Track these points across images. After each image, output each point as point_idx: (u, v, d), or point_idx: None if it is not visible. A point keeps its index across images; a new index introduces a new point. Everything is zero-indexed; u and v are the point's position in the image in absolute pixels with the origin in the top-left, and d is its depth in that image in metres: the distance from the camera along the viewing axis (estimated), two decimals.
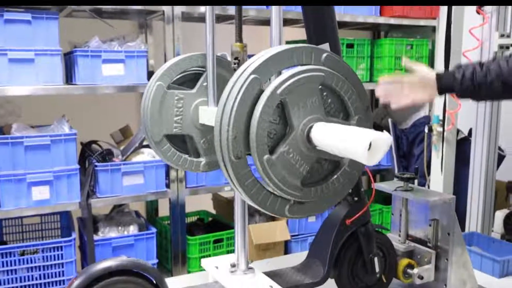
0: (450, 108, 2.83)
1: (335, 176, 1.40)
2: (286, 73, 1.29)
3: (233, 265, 1.79)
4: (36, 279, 2.84)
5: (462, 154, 3.10)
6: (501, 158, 3.05)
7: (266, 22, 3.68)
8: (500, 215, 3.06)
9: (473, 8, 2.58)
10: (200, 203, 3.86)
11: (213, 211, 3.96)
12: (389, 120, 3.81)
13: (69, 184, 2.83)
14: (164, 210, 3.84)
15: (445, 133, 2.84)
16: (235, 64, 1.70)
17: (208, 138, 2.00)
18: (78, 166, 2.85)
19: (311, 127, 1.31)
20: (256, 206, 1.33)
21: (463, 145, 3.14)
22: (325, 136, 1.26)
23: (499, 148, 3.00)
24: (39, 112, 3.20)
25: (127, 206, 3.42)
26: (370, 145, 1.14)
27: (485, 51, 2.70)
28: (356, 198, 1.90)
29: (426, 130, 2.94)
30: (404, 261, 2.05)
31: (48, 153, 2.76)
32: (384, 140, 1.15)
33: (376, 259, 1.92)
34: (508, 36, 2.62)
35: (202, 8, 3.11)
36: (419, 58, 3.94)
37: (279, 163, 1.29)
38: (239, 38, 1.69)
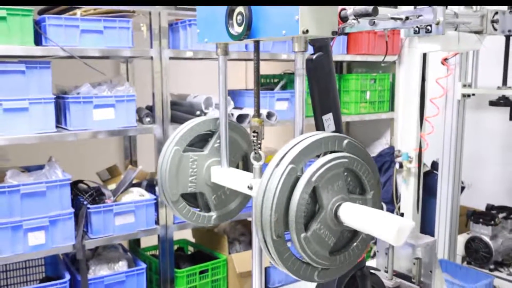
0: (417, 146, 3.13)
1: (355, 244, 1.62)
2: (317, 162, 1.50)
3: None
4: None
5: (427, 185, 3.42)
6: (461, 189, 3.39)
7: (243, 59, 3.89)
8: (461, 239, 3.41)
9: (439, 60, 2.89)
10: (179, 232, 3.99)
11: (192, 239, 4.10)
12: None
13: (63, 228, 2.90)
14: (145, 240, 3.95)
15: (414, 170, 3.14)
16: (254, 137, 1.88)
17: (218, 194, 2.17)
18: (72, 210, 2.92)
19: (338, 206, 1.52)
20: (291, 274, 1.52)
21: (428, 178, 3.46)
22: (354, 217, 1.47)
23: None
24: (25, 153, 3.24)
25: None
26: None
27: (450, 98, 3.02)
28: None
29: (397, 166, 3.23)
30: None
31: (43, 199, 2.81)
32: (408, 226, 1.37)
33: None
34: (470, 86, 2.95)
35: (188, 53, 3.26)
36: (381, 91, 4.26)
37: (312, 239, 1.50)
38: (258, 114, 1.88)
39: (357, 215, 1.47)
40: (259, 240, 1.53)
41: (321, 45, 1.95)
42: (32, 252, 2.84)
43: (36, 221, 2.80)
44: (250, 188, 1.85)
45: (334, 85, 2.01)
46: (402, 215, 2.44)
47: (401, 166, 3.26)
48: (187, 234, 4.09)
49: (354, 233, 1.64)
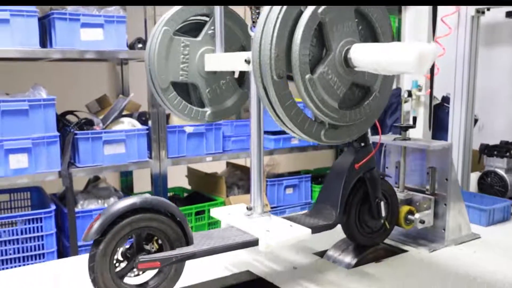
0: (428, 72, 2.92)
1: (367, 102, 1.42)
2: None
3: (249, 209, 1.76)
4: (12, 253, 2.68)
5: (438, 119, 3.22)
6: (475, 122, 3.19)
7: None
8: (474, 176, 3.21)
9: None
10: (173, 180, 3.78)
11: (188, 187, 3.90)
12: None
13: (48, 152, 2.70)
14: (138, 186, 3.75)
15: (425, 98, 2.94)
16: None
17: (213, 88, 1.97)
18: (58, 133, 2.73)
19: (348, 49, 1.32)
20: (295, 128, 1.32)
21: (438, 111, 3.26)
22: (367, 55, 1.27)
23: None
24: (7, 80, 3.04)
25: (103, 181, 3.31)
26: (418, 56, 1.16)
27: (462, 16, 2.81)
28: (362, 144, 1.92)
29: (406, 95, 3.02)
30: (405, 208, 2.11)
31: (26, 119, 2.62)
32: (431, 50, 1.17)
33: (382, 203, 1.96)
34: None
35: None
36: None
37: (319, 83, 1.29)
38: None
39: (370, 52, 1.27)
40: (258, 90, 1.33)
41: None
42: (15, 176, 2.64)
43: (18, 142, 2.60)
44: (248, 62, 1.65)
45: None
46: None
47: (409, 95, 3.06)
48: (183, 182, 3.88)
49: (366, 92, 1.44)
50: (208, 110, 1.97)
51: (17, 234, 2.67)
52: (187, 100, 1.96)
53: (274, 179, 3.68)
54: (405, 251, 2.12)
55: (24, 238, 2.69)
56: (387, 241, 2.16)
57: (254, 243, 1.61)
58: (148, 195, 1.50)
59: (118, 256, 1.50)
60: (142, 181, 3.59)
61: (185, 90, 1.97)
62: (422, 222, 2.09)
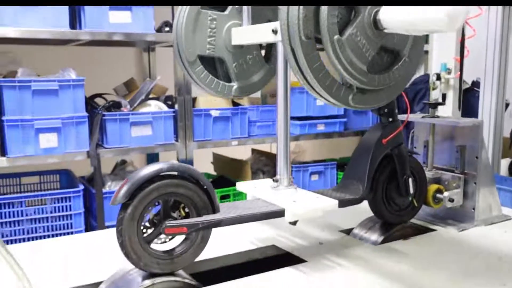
0: (458, 55, 2.86)
1: (396, 67, 1.40)
2: None
3: (275, 181, 1.76)
4: (42, 231, 2.74)
5: (467, 103, 3.15)
6: (506, 106, 3.12)
7: None
8: (505, 163, 3.14)
9: None
10: (199, 166, 3.79)
11: (214, 173, 3.91)
12: None
13: (77, 133, 2.74)
14: None
15: (454, 82, 2.87)
16: None
17: (240, 63, 1.97)
18: (86, 114, 2.77)
19: (377, 11, 1.30)
20: (322, 92, 1.31)
21: (468, 95, 3.19)
22: (397, 15, 1.25)
23: None
24: (38, 64, 3.10)
25: (130, 164, 3.35)
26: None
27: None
28: (390, 119, 1.90)
29: (434, 78, 2.97)
30: (433, 187, 2.07)
31: (56, 98, 2.67)
32: (461, 9, 1.15)
33: (410, 180, 1.93)
34: None
35: None
36: None
37: (347, 45, 1.28)
38: None
39: (399, 13, 1.25)
40: (285, 52, 1.32)
41: None
42: (45, 155, 2.69)
43: (48, 122, 2.66)
44: (275, 32, 1.64)
45: None
46: None
47: (438, 78, 3.00)
48: (208, 167, 3.90)
49: (395, 57, 1.42)
50: (234, 85, 1.97)
51: (46, 213, 2.73)
52: (214, 74, 1.97)
53: (300, 165, 3.66)
54: (434, 230, 2.08)
55: (53, 217, 2.74)
56: (414, 221, 2.13)
57: (280, 213, 1.61)
58: (175, 161, 1.51)
59: (145, 223, 1.51)
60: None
61: (211, 64, 1.97)
62: (451, 200, 2.04)
